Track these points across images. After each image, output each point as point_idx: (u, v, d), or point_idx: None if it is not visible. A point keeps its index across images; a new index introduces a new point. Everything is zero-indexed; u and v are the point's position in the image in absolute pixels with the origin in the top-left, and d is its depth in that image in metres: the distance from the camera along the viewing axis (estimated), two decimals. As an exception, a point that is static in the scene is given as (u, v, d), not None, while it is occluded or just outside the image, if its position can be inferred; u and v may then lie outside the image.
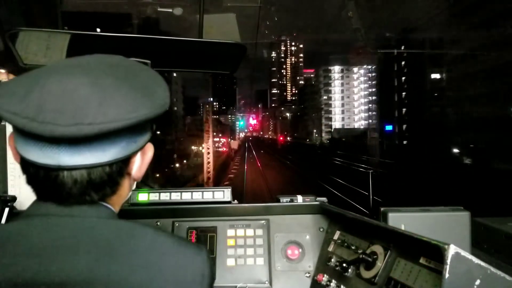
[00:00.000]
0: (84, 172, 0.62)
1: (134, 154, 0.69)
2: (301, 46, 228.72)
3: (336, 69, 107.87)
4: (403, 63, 53.53)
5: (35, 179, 0.64)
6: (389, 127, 55.48)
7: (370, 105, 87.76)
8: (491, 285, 0.77)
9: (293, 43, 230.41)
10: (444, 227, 1.28)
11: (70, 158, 0.60)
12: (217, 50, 1.53)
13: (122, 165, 0.68)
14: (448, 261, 0.77)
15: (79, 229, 0.64)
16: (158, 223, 1.63)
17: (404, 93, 53.48)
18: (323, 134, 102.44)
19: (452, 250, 0.78)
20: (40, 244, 0.61)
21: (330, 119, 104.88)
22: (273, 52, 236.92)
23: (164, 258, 0.66)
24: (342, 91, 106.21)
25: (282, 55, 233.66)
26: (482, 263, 0.77)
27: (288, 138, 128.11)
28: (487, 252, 1.42)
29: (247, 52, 1.49)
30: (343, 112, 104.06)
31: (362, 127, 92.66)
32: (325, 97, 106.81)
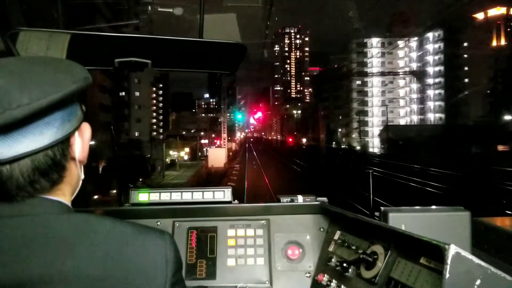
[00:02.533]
0: (27, 161, 0.62)
1: (71, 134, 0.69)
2: (307, 39, 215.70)
3: (373, 42, 73.39)
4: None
5: None
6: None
7: (431, 91, 61.98)
8: (491, 285, 0.77)
9: (298, 36, 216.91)
10: (444, 227, 1.28)
11: (9, 149, 0.59)
12: (217, 50, 1.53)
13: (63, 147, 0.67)
14: (449, 261, 0.77)
15: (32, 228, 0.63)
16: (159, 223, 1.63)
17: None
18: (354, 135, 72.58)
19: (452, 250, 0.78)
20: None
21: (365, 113, 72.81)
22: (276, 46, 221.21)
23: (124, 247, 0.65)
24: (383, 73, 73.94)
25: (286, 48, 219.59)
26: (483, 263, 0.77)
27: (302, 140, 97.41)
28: (487, 252, 1.42)
29: (247, 52, 1.49)
30: (383, 103, 71.09)
31: (412, 122, 68.92)
32: (358, 83, 74.70)
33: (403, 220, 1.28)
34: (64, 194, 0.71)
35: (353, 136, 73.77)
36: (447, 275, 0.77)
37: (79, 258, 0.61)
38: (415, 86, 71.15)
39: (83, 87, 0.67)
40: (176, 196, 1.62)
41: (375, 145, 67.53)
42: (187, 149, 63.41)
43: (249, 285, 1.52)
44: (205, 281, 1.53)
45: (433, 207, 1.36)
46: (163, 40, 1.42)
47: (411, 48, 71.55)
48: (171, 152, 56.92)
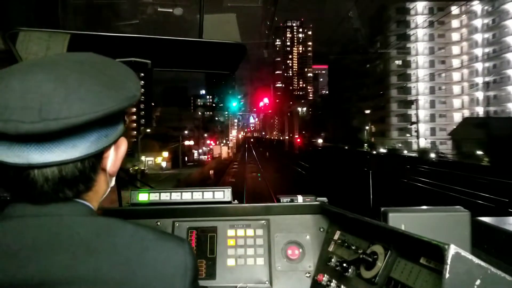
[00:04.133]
0: (55, 169, 0.62)
1: (107, 148, 0.69)
2: (310, 33, 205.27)
3: (418, 7, 52.19)
4: None
5: (6, 180, 0.63)
6: None
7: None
8: (491, 285, 0.77)
9: (300, 30, 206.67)
10: (444, 227, 1.27)
11: (39, 156, 0.59)
12: (217, 50, 1.53)
13: (94, 161, 0.67)
14: (449, 261, 0.77)
15: (56, 228, 0.63)
16: (159, 223, 1.63)
17: None
18: (394, 133, 53.32)
19: (452, 250, 0.78)
20: (17, 245, 0.61)
21: (408, 104, 52.05)
22: (277, 40, 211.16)
23: (145, 253, 0.65)
24: (432, 50, 53.62)
25: (288, 43, 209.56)
26: (483, 263, 0.77)
27: (313, 140, 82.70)
28: (487, 252, 1.42)
29: (247, 52, 1.49)
30: (432, 91, 52.84)
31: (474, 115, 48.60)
32: (397, 63, 54.23)
33: (403, 220, 1.28)
34: (90, 199, 0.71)
35: (392, 134, 53.12)
36: (447, 275, 0.77)
37: (101, 261, 0.62)
38: (479, 66, 49.46)
39: (126, 106, 0.66)
40: (176, 196, 1.62)
41: (424, 147, 46.70)
42: (168, 153, 47.33)
43: (249, 285, 1.52)
44: (205, 281, 1.53)
45: (433, 207, 1.36)
46: (163, 40, 1.43)
47: (474, 13, 49.76)
48: (143, 158, 44.12)
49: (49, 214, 0.64)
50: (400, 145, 52.92)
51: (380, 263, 1.12)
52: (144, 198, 1.62)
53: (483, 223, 1.46)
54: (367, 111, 60.28)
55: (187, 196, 1.62)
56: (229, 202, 1.62)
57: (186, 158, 46.70)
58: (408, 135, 52.30)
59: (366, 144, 56.89)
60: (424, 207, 1.36)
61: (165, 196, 1.62)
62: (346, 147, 58.43)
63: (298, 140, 73.11)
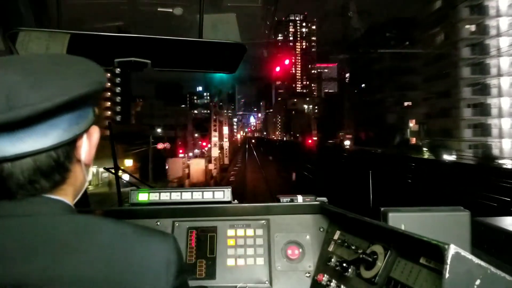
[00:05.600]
0: (29, 160, 0.62)
1: (79, 137, 0.69)
2: (314, 27, 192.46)
3: None
4: None
5: None
6: None
7: None
8: (491, 285, 0.77)
9: (304, 24, 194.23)
10: (444, 227, 1.27)
11: (12, 147, 0.59)
12: (217, 50, 1.53)
13: (68, 149, 0.67)
14: (448, 261, 0.77)
15: (33, 229, 0.63)
16: (158, 223, 1.63)
17: None
18: (466, 131, 31.85)
19: (452, 250, 0.78)
20: None
21: (484, 90, 31.38)
22: (280, 35, 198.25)
23: (126, 251, 0.65)
24: None
25: (291, 38, 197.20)
26: (482, 263, 0.77)
27: (345, 143, 54.81)
28: (487, 252, 1.42)
29: (247, 52, 1.49)
30: None
31: None
32: (469, 29, 32.18)
33: (402, 220, 1.28)
34: (67, 194, 0.70)
35: (462, 133, 32.41)
36: (447, 275, 0.77)
37: (81, 261, 0.61)
38: None
39: (95, 91, 0.67)
40: (175, 196, 1.62)
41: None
42: (134, 161, 29.00)
43: (249, 285, 1.52)
44: (205, 281, 1.53)
45: (433, 207, 1.36)
46: (163, 40, 1.43)
47: None
48: (94, 169, 19.73)
49: (25, 213, 0.64)
50: (473, 149, 32.01)
51: (380, 263, 1.12)
52: (144, 198, 1.62)
53: (483, 223, 1.46)
54: (410, 104, 41.35)
55: (187, 196, 1.62)
56: (229, 202, 1.62)
57: (167, 167, 29.81)
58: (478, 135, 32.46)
59: (425, 149, 35.91)
60: (424, 207, 1.37)
61: (165, 196, 1.62)
62: (382, 151, 36.65)
63: (310, 141, 59.31)
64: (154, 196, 1.62)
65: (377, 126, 45.71)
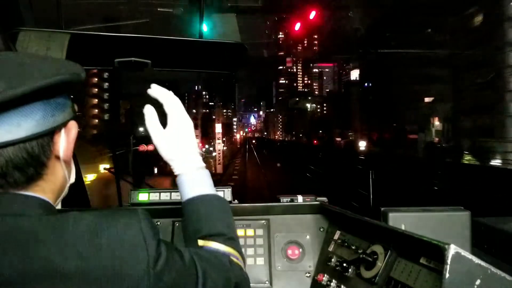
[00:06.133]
0: (1, 151, 0.60)
1: (56, 131, 0.67)
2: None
3: None
4: None
5: None
6: None
7: None
8: (491, 285, 0.77)
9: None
10: (444, 227, 1.28)
11: None
12: (217, 50, 1.53)
13: (44, 143, 0.64)
14: (449, 261, 0.77)
15: (5, 229, 0.60)
16: (159, 223, 1.63)
17: None
18: None
19: (452, 250, 0.78)
20: None
21: None
22: (280, 32, 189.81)
23: (100, 239, 0.61)
24: None
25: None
26: (483, 263, 0.77)
27: (359, 144, 44.36)
28: (487, 252, 1.42)
29: (248, 52, 1.50)
30: None
31: None
32: None
33: (403, 220, 1.28)
34: (44, 191, 0.68)
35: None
36: (447, 275, 0.77)
37: (53, 254, 0.58)
38: None
39: (68, 80, 0.65)
40: (176, 196, 1.62)
41: None
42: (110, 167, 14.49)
43: None
44: None
45: (433, 207, 1.36)
46: (163, 40, 1.43)
47: None
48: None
49: None
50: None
51: (380, 263, 1.12)
52: (144, 198, 1.62)
53: (483, 223, 1.46)
54: (432, 99, 33.49)
55: None
56: (229, 202, 1.62)
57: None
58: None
59: (466, 152, 27.34)
60: (424, 207, 1.37)
61: (165, 196, 1.62)
62: (408, 154, 30.71)
63: (315, 142, 54.54)
64: (154, 196, 1.62)
65: (397, 124, 38.17)
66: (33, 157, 0.63)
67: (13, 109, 0.59)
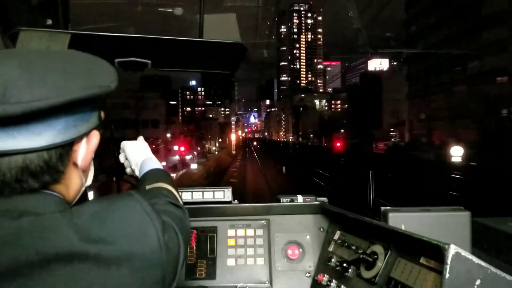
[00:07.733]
0: (18, 158, 0.59)
1: (77, 140, 0.66)
2: (320, 18, 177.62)
3: None
4: None
5: None
6: None
7: None
8: (491, 285, 0.77)
9: (309, 14, 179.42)
10: (444, 227, 1.28)
11: (1, 143, 0.57)
12: (217, 50, 1.53)
13: (62, 152, 0.64)
14: (449, 261, 0.77)
15: (16, 226, 0.60)
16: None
17: None
18: None
19: (452, 250, 0.78)
20: None
21: None
22: (283, 26, 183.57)
23: (108, 224, 0.63)
24: None
25: (295, 30, 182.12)
26: (483, 263, 0.77)
27: (453, 153, 20.54)
28: (487, 252, 1.42)
29: (248, 52, 1.49)
30: None
31: None
32: None
33: (403, 220, 1.28)
34: (61, 191, 0.68)
35: None
36: (447, 275, 0.77)
37: (66, 239, 0.59)
38: None
39: (97, 95, 0.64)
40: (203, 195, 1.62)
41: None
42: None
43: (249, 285, 1.52)
44: (205, 281, 1.53)
45: (433, 207, 1.36)
46: (163, 40, 1.42)
47: None
48: None
49: (13, 210, 0.61)
50: None
51: (380, 263, 1.12)
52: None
53: (483, 223, 1.46)
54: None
55: (187, 196, 1.62)
56: (229, 202, 1.62)
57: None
58: None
59: None
60: (424, 207, 1.37)
61: (197, 195, 1.63)
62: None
63: (338, 144, 42.95)
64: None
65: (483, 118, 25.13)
66: (50, 166, 0.63)
67: (37, 119, 0.59)
